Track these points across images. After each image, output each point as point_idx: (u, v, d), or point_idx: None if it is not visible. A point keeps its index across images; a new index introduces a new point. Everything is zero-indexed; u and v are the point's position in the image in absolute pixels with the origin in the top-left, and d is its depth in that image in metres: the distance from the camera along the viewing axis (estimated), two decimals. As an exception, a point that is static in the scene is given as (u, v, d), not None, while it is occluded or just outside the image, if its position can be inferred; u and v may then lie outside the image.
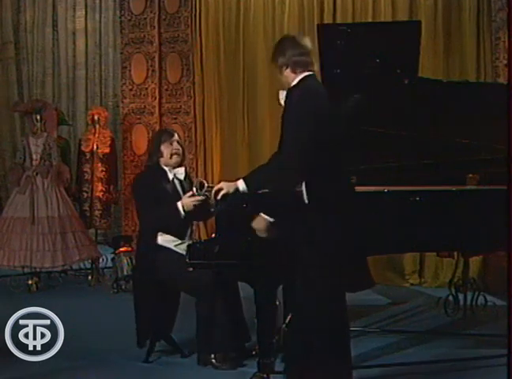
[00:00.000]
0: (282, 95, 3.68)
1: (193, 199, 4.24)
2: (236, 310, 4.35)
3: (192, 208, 4.24)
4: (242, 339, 4.32)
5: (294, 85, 3.55)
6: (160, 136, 4.56)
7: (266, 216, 3.49)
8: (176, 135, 4.56)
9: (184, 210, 4.25)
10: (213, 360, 4.16)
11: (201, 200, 4.23)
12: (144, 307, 4.36)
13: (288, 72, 3.57)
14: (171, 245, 4.34)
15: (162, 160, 4.43)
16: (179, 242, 4.35)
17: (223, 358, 4.17)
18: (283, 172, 3.46)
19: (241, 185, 3.72)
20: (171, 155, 4.42)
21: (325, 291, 3.44)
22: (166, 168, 4.44)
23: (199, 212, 4.34)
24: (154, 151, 4.47)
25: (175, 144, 4.45)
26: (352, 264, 3.66)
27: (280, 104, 3.72)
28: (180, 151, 4.48)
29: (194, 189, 4.23)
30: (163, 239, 4.35)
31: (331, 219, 3.42)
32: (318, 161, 3.41)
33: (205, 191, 4.19)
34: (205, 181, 4.27)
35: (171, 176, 4.43)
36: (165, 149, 4.42)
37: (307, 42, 3.62)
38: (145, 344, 4.35)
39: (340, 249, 3.44)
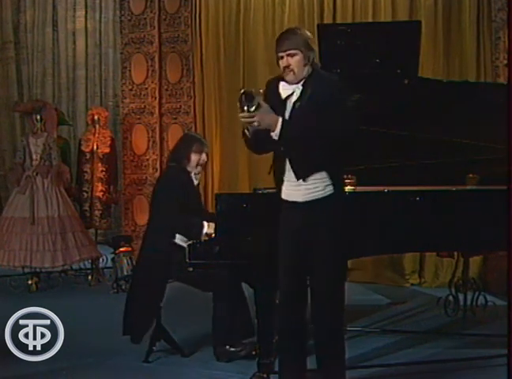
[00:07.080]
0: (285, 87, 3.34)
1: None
2: (245, 307, 4.42)
3: (212, 232, 4.16)
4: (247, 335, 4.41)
5: (311, 75, 3.33)
6: (192, 144, 4.51)
7: None
8: (206, 146, 4.60)
9: (207, 233, 4.26)
10: (232, 348, 4.27)
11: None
12: (139, 302, 4.36)
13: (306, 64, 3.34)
14: (185, 244, 4.34)
15: (188, 165, 4.47)
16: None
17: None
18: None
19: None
20: (198, 164, 4.48)
21: (321, 291, 3.43)
22: (191, 173, 4.48)
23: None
24: (182, 156, 4.47)
25: (204, 155, 4.51)
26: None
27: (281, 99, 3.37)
28: (206, 162, 4.58)
29: (243, 103, 3.15)
30: (180, 238, 4.37)
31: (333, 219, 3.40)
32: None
33: (256, 106, 3.13)
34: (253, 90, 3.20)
35: (195, 180, 4.50)
36: (194, 157, 4.47)
37: None
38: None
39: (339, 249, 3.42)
